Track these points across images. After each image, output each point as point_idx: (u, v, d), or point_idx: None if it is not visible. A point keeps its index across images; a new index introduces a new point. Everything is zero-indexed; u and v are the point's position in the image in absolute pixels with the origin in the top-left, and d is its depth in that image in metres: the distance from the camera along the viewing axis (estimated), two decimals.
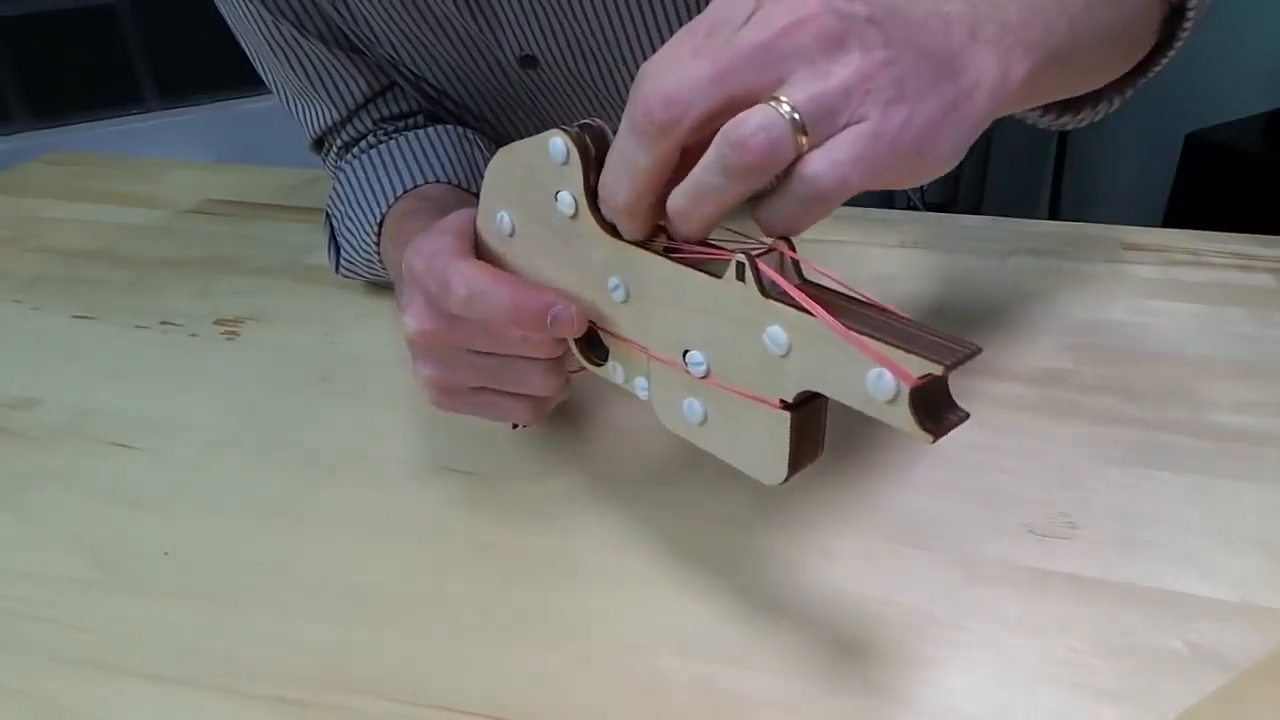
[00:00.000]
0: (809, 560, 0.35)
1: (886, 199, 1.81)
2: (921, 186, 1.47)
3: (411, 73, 0.58)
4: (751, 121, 0.24)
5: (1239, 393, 0.44)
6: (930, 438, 0.23)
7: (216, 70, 1.62)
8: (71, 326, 0.55)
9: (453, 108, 0.60)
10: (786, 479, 0.26)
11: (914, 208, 1.88)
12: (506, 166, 0.32)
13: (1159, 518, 0.36)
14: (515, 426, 0.41)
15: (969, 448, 0.40)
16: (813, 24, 0.24)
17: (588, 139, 0.28)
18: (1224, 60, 2.08)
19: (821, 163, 0.24)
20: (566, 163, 0.29)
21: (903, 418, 0.22)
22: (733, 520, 0.37)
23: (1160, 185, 2.02)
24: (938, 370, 0.21)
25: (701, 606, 0.33)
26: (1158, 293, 0.52)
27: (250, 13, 0.55)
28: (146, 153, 1.53)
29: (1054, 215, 2.42)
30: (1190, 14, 0.41)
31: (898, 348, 0.22)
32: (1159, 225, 2.01)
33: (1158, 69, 0.43)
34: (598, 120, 0.29)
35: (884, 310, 0.24)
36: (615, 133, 0.28)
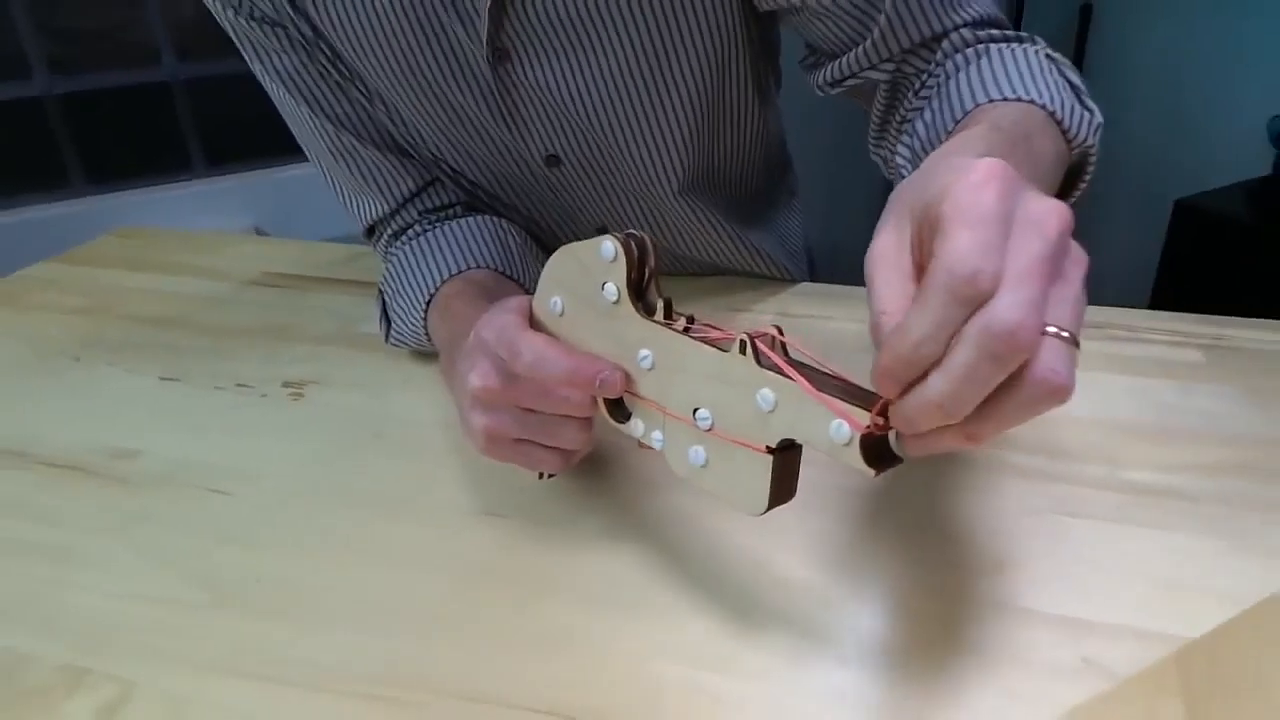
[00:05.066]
0: (774, 587, 0.43)
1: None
2: None
3: (451, 169, 0.67)
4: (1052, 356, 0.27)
5: (1154, 454, 0.51)
6: (873, 473, 0.31)
7: (257, 140, 1.74)
8: (160, 387, 0.64)
9: (487, 199, 0.70)
10: (766, 510, 0.35)
11: None
12: (564, 262, 0.41)
13: (1075, 558, 0.44)
14: (542, 476, 0.49)
15: (920, 495, 0.48)
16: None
17: (632, 244, 0.38)
18: (1211, 128, 2.18)
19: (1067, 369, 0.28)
20: (614, 261, 0.38)
21: (854, 457, 0.31)
22: (722, 555, 0.45)
23: (1153, 250, 2.10)
24: (881, 422, 0.30)
25: (692, 625, 0.41)
26: (1095, 365, 0.60)
27: (316, 126, 0.64)
28: (194, 216, 1.64)
29: None
30: (1086, 177, 0.52)
31: (854, 405, 0.30)
32: (1150, 289, 2.10)
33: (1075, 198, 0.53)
34: (639, 231, 0.38)
35: (845, 380, 0.33)
36: (649, 240, 0.38)
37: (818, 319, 0.68)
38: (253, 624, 0.43)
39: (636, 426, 0.41)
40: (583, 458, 0.46)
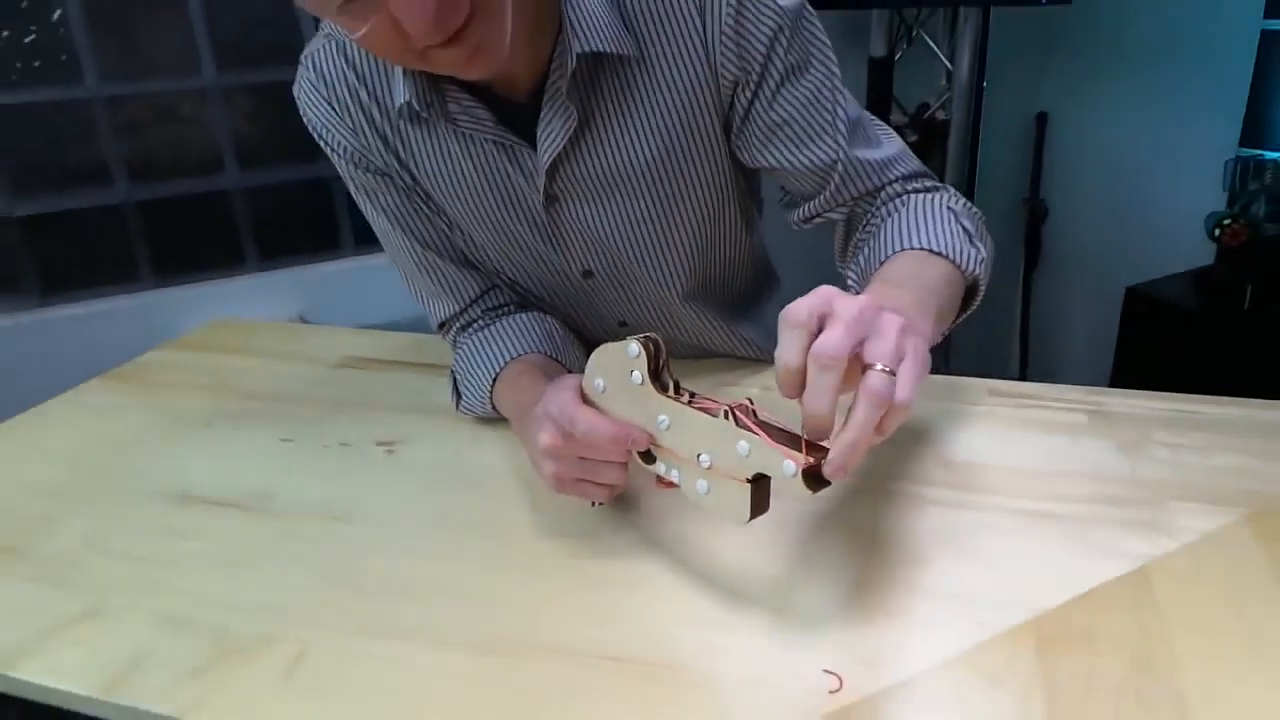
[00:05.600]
0: (756, 576, 0.60)
1: None
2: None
3: (508, 278, 0.87)
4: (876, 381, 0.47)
5: (1040, 489, 0.69)
6: (811, 493, 0.49)
7: (302, 238, 1.95)
8: (280, 446, 0.83)
9: (534, 300, 0.89)
10: (749, 520, 0.52)
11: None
12: (603, 356, 0.59)
13: (973, 558, 0.62)
14: (594, 504, 0.67)
15: (865, 518, 0.66)
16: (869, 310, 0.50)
17: (650, 344, 0.56)
18: (1157, 222, 2.42)
19: (905, 389, 0.48)
20: (638, 356, 0.56)
21: (798, 485, 0.49)
22: (717, 557, 0.63)
23: (1111, 333, 2.30)
24: (814, 459, 0.48)
25: (698, 599, 0.58)
26: (1003, 426, 0.79)
27: (406, 245, 0.84)
28: (247, 305, 1.84)
29: (1024, 363, 2.72)
30: (978, 298, 0.72)
31: (798, 450, 0.49)
32: (1110, 369, 2.30)
33: (967, 314, 0.74)
34: (655, 334, 0.57)
35: (793, 433, 0.51)
36: (662, 340, 0.56)
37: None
38: (383, 604, 0.60)
39: (659, 467, 0.59)
40: (619, 493, 0.64)
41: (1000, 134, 2.60)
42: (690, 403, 0.56)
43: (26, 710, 0.70)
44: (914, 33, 2.11)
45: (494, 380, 0.79)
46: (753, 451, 0.51)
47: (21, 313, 1.69)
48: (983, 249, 0.72)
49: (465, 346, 0.84)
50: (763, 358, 0.94)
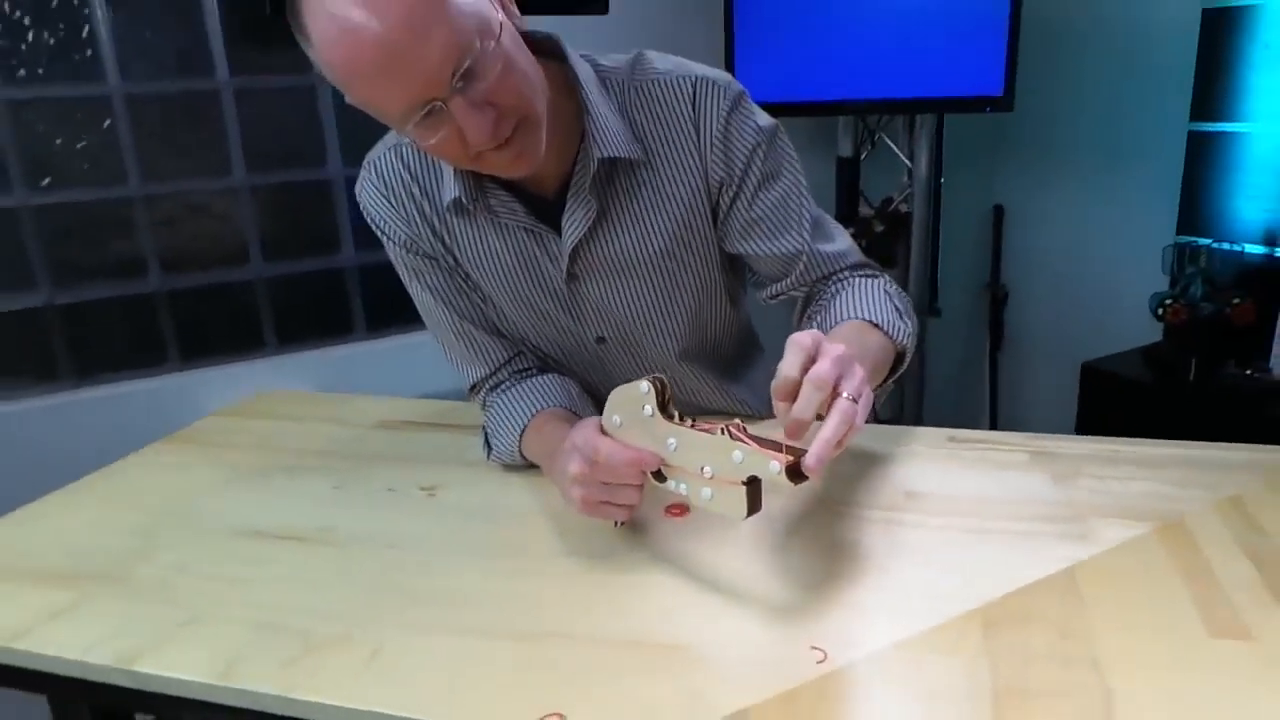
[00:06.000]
0: (737, 573, 0.73)
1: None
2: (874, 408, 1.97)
3: (532, 345, 1.01)
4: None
5: (986, 511, 0.83)
6: (794, 485, 0.62)
7: (318, 324, 2.09)
8: (334, 493, 0.95)
9: (554, 364, 1.03)
10: (746, 517, 0.65)
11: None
12: (618, 396, 0.73)
13: (911, 562, 0.74)
14: (616, 525, 0.80)
15: (823, 533, 0.78)
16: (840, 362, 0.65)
17: (657, 382, 0.70)
18: (1109, 303, 2.61)
19: (861, 417, 0.64)
20: (648, 392, 0.70)
21: (783, 481, 0.62)
22: (707, 562, 0.75)
23: (1070, 407, 2.46)
24: (793, 457, 0.62)
25: (696, 594, 0.71)
26: (960, 464, 0.93)
27: (446, 317, 0.98)
28: (266, 385, 1.96)
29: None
30: (904, 363, 0.88)
31: (781, 453, 0.62)
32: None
33: (898, 375, 0.90)
34: (660, 375, 0.71)
35: (776, 443, 0.64)
36: (666, 380, 0.70)
37: None
38: (439, 610, 0.72)
39: (671, 484, 0.72)
40: (635, 513, 0.77)
41: (962, 226, 2.82)
42: (693, 427, 0.69)
43: (97, 712, 0.81)
44: (875, 136, 2.34)
45: (522, 431, 0.92)
46: (745, 458, 0.64)
47: (60, 394, 1.80)
48: (909, 324, 0.90)
49: (495, 404, 0.98)
50: (752, 414, 1.08)
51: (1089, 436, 0.97)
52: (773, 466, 0.62)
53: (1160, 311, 2.23)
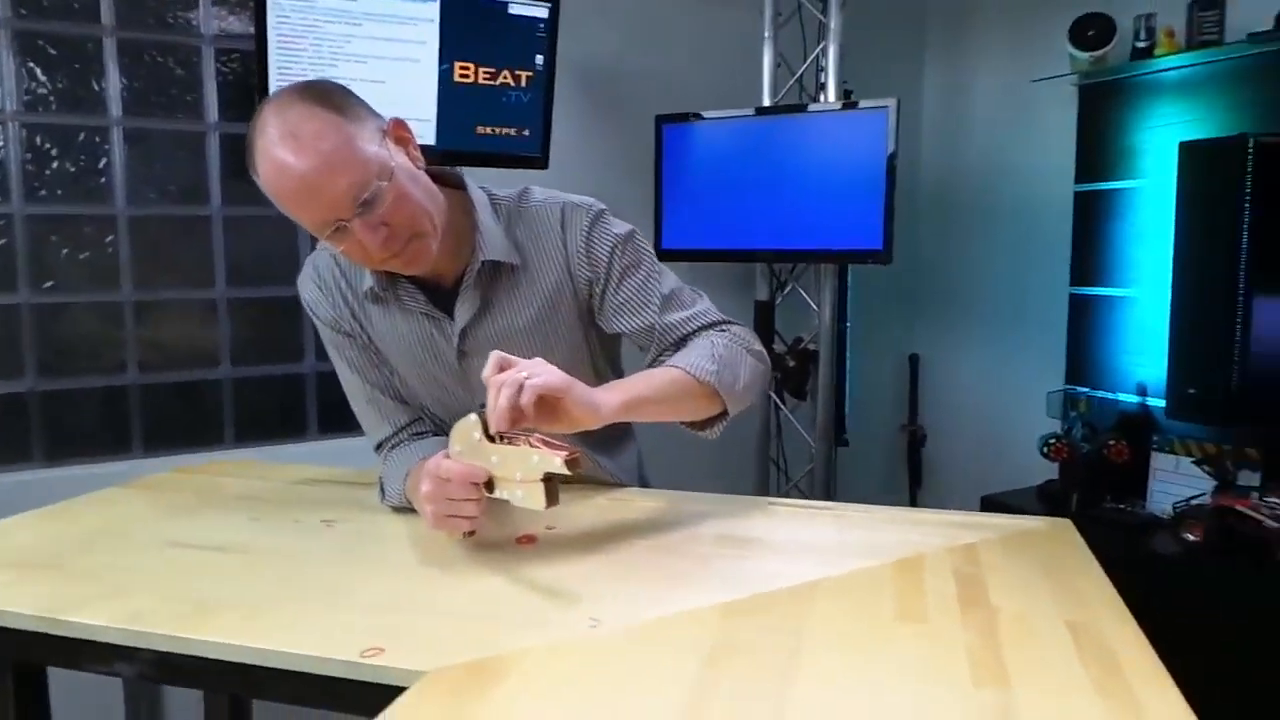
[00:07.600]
0: (571, 575, 0.91)
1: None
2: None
3: (429, 411, 1.23)
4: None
5: (790, 545, 1.02)
6: (571, 474, 0.83)
7: (271, 425, 2.29)
8: (251, 522, 1.13)
9: (447, 428, 1.23)
10: (546, 509, 0.86)
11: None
12: (456, 429, 0.94)
13: (729, 581, 0.93)
14: (465, 535, 0.99)
15: (663, 558, 0.97)
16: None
17: (482, 415, 0.92)
18: (1010, 444, 2.84)
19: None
20: (475, 422, 0.92)
21: (567, 471, 0.83)
22: (535, 572, 0.94)
23: None
24: (574, 453, 0.83)
25: (495, 592, 0.89)
26: (775, 519, 1.12)
27: (360, 385, 1.20)
28: None
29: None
30: (731, 398, 1.09)
31: (564, 451, 0.84)
32: None
33: (724, 423, 1.10)
34: (483, 404, 0.93)
35: (562, 445, 0.86)
36: (486, 416, 0.92)
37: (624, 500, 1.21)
38: (314, 592, 0.90)
39: (499, 492, 0.92)
40: (479, 525, 0.96)
41: (881, 371, 3.11)
42: (508, 444, 0.90)
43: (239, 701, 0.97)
44: (787, 283, 2.65)
45: (406, 476, 1.12)
46: (539, 460, 0.85)
47: (28, 472, 1.98)
48: (719, 366, 1.08)
49: (392, 458, 1.18)
50: (623, 483, 1.28)
51: (880, 505, 1.18)
52: (556, 461, 0.83)
53: (1045, 450, 2.46)
